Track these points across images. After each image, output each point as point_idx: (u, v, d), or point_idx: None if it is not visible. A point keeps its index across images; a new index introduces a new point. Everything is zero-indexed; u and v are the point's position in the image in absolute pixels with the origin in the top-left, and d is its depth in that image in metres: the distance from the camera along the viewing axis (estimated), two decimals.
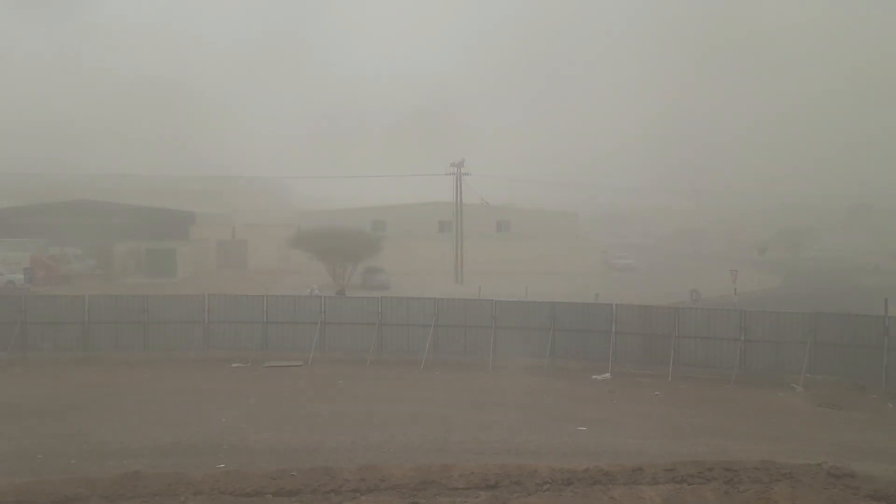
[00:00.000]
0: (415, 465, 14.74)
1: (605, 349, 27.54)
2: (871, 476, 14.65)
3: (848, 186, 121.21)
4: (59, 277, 53.07)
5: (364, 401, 22.55)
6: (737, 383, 25.56)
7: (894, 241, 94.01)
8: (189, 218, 70.78)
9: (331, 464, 15.36)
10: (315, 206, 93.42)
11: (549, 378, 26.46)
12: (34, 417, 20.08)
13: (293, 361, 28.24)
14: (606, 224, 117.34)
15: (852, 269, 79.04)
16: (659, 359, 27.25)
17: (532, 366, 27.68)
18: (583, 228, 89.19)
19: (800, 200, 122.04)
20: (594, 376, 26.70)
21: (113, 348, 28.82)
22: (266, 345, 29.30)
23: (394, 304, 29.57)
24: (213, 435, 18.57)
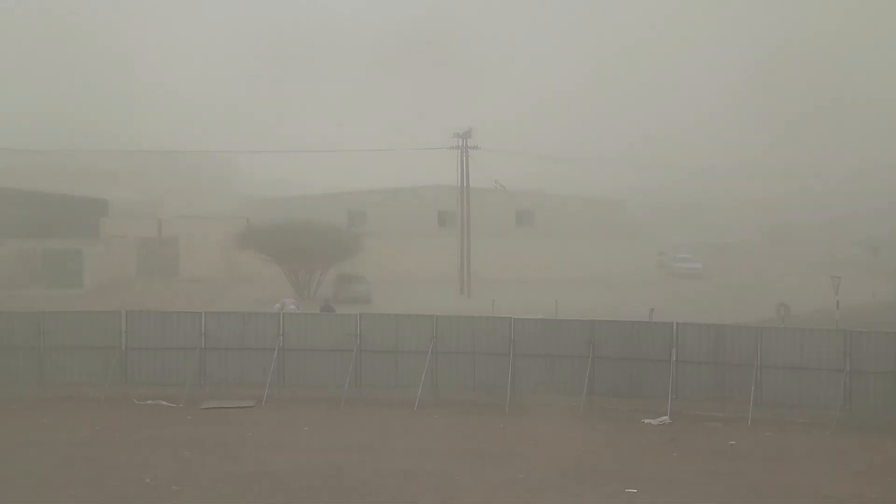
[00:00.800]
0: None
1: (662, 384, 27.64)
2: None
3: None
4: None
5: (337, 454, 22.61)
6: (840, 429, 25.62)
7: None
8: (99, 208, 70.95)
9: None
10: (271, 191, 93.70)
11: (587, 422, 26.53)
12: None
13: (240, 402, 28.32)
14: (666, 216, 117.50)
15: None
16: (735, 396, 27.32)
17: (564, 406, 27.73)
18: (634, 221, 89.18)
19: None
20: (647, 420, 26.77)
21: None
22: (204, 379, 29.38)
23: (378, 323, 29.63)
24: None
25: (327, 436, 24.59)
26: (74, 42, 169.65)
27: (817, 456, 23.39)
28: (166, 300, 49.76)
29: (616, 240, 75.36)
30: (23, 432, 24.43)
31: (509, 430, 25.62)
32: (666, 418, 26.81)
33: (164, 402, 28.15)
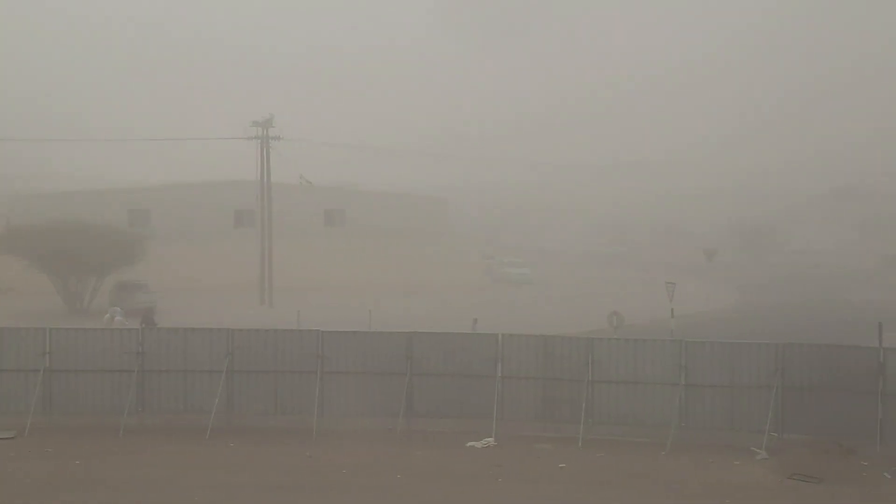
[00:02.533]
0: None
1: (487, 402, 28.02)
2: None
3: (831, 168, 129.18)
4: None
5: (116, 492, 21.95)
6: (675, 449, 26.61)
7: (894, 238, 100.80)
8: None
9: None
10: (35, 185, 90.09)
11: (405, 447, 26.64)
12: None
13: None
14: (495, 216, 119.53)
15: (838, 278, 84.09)
16: (565, 414, 27.99)
17: (379, 429, 27.79)
18: (458, 222, 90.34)
19: (763, 187, 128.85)
20: (471, 443, 27.08)
21: None
22: None
23: (163, 338, 29.07)
24: None
25: (103, 471, 23.85)
26: None
27: (651, 478, 24.21)
28: None
29: (439, 242, 76.17)
30: None
31: (318, 458, 25.47)
32: (491, 440, 27.20)
33: None
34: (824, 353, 27.49)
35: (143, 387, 28.59)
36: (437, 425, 28.36)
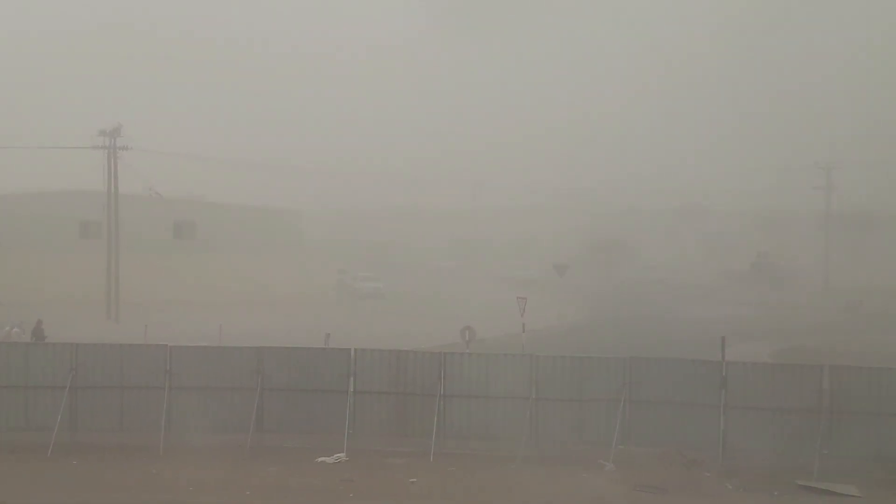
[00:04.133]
0: None
1: (339, 417, 27.86)
2: None
3: (674, 185, 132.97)
4: None
5: None
6: (526, 461, 26.86)
7: (734, 255, 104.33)
8: None
9: None
10: None
11: (254, 463, 26.31)
12: None
13: None
14: (349, 228, 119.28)
15: (682, 294, 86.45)
16: (418, 429, 28.00)
17: (228, 445, 27.35)
18: (313, 234, 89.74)
19: (609, 203, 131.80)
20: (322, 458, 26.87)
21: None
22: None
23: (3, 353, 28.24)
24: None
25: None
26: None
27: (495, 490, 24.38)
28: None
29: (291, 255, 75.53)
30: None
31: (163, 476, 24.91)
32: (342, 455, 27.03)
33: None
34: (670, 366, 28.19)
35: None
36: (287, 441, 28.07)
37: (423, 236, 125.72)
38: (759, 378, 27.59)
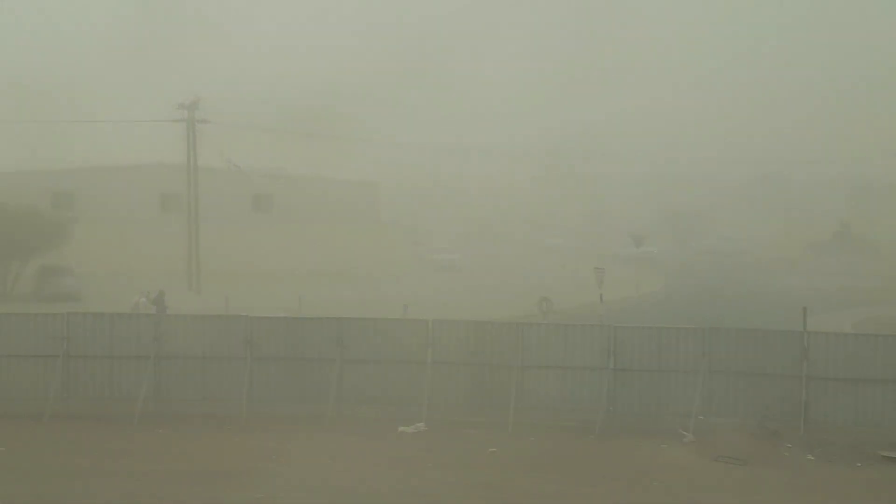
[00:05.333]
0: None
1: (417, 387, 28.06)
2: None
3: (752, 153, 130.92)
4: None
5: (38, 483, 21.61)
6: (603, 433, 26.88)
7: (816, 225, 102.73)
8: None
9: None
10: None
11: (336, 432, 26.60)
12: None
13: None
14: (425, 201, 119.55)
15: (762, 265, 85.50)
16: (495, 400, 28.11)
17: (310, 415, 27.74)
18: (390, 207, 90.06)
19: (688, 175, 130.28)
20: (402, 428, 27.11)
21: None
22: None
23: (89, 324, 28.69)
24: None
25: (27, 461, 23.47)
26: None
27: (580, 461, 24.43)
28: None
29: (368, 227, 75.94)
30: None
31: (246, 445, 25.31)
32: (421, 425, 27.23)
33: None
34: (749, 337, 27.91)
35: (69, 372, 28.18)
36: (367, 411, 28.31)
37: (496, 207, 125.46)
38: (842, 348, 27.20)
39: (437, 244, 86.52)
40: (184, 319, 29.42)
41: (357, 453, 24.73)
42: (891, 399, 26.29)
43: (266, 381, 28.43)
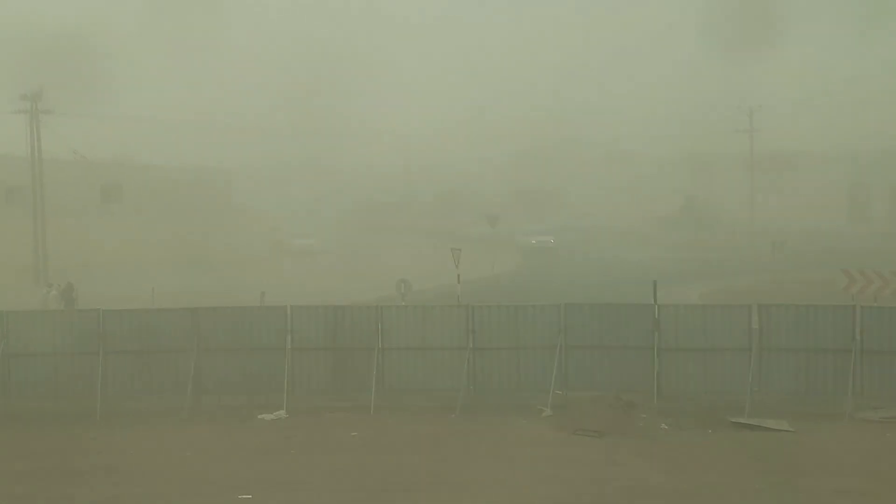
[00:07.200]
0: None
1: (277, 375, 27.79)
2: None
3: (601, 130, 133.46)
4: None
5: None
6: (465, 411, 27.05)
7: (662, 200, 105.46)
8: None
9: None
10: None
11: (193, 424, 26.28)
12: None
13: None
14: (278, 187, 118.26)
15: (612, 240, 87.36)
16: (357, 383, 28.05)
17: (165, 408, 27.31)
18: (244, 194, 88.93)
19: (539, 149, 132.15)
20: (262, 416, 26.86)
21: None
22: None
23: None
24: None
25: None
26: None
27: (440, 440, 24.56)
28: None
29: (222, 215, 74.93)
30: None
31: (99, 440, 24.78)
32: (282, 413, 27.03)
33: None
34: (604, 311, 28.47)
35: None
36: (226, 401, 27.99)
37: (351, 191, 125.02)
38: (690, 319, 27.94)
39: (294, 230, 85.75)
40: (31, 316, 28.55)
41: (216, 444, 24.42)
42: (737, 367, 27.13)
43: (120, 376, 27.79)
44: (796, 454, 23.29)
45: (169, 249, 68.07)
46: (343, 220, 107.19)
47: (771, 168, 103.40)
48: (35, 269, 59.89)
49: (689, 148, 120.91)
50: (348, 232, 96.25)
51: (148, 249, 67.51)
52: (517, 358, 28.01)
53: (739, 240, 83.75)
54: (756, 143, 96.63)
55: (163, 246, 68.42)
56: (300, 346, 28.04)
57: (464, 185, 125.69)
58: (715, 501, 20.22)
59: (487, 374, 28.11)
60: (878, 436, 24.76)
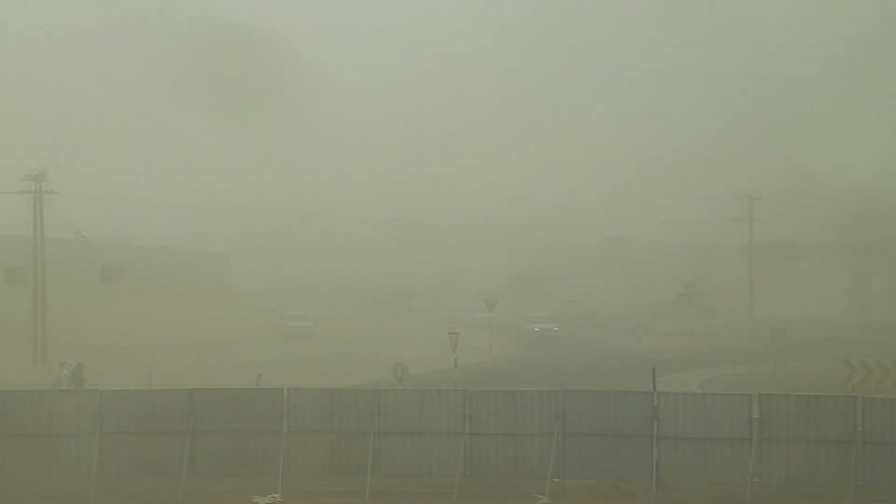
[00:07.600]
0: None
1: (272, 457, 27.55)
2: None
3: (595, 218, 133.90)
4: None
5: None
6: (461, 497, 26.75)
7: (660, 287, 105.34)
8: None
9: None
10: None
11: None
12: None
13: None
14: (277, 269, 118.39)
15: (610, 327, 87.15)
16: (352, 467, 27.77)
17: (162, 489, 27.07)
18: (242, 276, 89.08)
19: (538, 239, 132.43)
20: (256, 498, 26.57)
21: None
22: None
23: None
24: None
25: None
26: None
27: None
28: None
29: (220, 296, 74.97)
30: None
31: None
32: (277, 496, 26.74)
33: None
34: (602, 398, 28.28)
35: None
36: (221, 483, 27.68)
37: (352, 273, 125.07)
38: (690, 407, 27.76)
39: (291, 310, 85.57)
40: (29, 395, 28.36)
41: None
42: (738, 456, 26.89)
43: (116, 456, 27.51)
44: None
45: (167, 330, 68.01)
46: (341, 300, 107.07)
47: (769, 257, 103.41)
48: (34, 349, 59.71)
49: (686, 236, 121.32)
50: (346, 312, 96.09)
51: (146, 329, 67.44)
52: (514, 444, 27.78)
53: (738, 328, 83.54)
54: (755, 231, 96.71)
55: (160, 326, 68.41)
56: (296, 428, 27.83)
57: (460, 265, 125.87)
58: None
59: (484, 460, 27.86)
60: None
